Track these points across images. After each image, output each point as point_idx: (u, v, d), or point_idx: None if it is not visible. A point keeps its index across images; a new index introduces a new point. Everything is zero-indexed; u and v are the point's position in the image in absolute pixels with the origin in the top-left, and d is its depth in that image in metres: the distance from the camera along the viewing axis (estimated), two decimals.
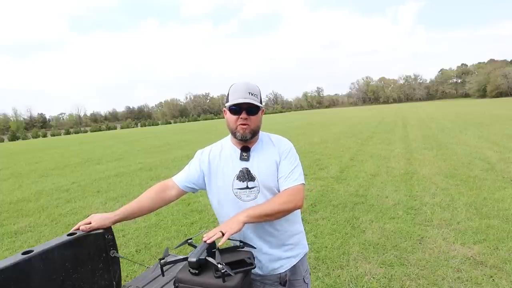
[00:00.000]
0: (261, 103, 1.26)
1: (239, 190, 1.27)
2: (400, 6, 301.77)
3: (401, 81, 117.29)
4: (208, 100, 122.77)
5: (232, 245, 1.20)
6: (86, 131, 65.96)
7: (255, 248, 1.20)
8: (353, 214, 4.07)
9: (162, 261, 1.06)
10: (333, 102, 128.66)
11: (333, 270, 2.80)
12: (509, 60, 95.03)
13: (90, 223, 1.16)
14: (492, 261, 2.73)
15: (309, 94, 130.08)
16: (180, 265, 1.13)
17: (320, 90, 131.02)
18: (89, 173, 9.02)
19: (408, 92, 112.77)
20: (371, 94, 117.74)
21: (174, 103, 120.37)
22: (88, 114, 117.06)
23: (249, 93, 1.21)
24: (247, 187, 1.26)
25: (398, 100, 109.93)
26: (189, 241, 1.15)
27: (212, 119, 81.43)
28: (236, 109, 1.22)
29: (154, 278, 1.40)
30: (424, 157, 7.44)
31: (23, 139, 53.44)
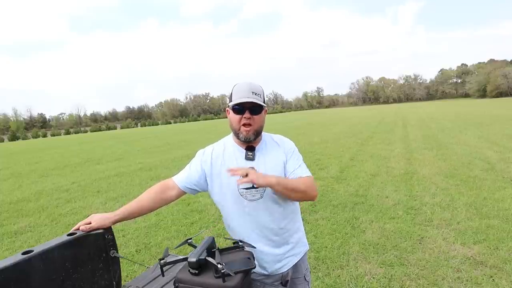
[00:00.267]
0: (264, 103, 1.26)
1: (244, 189, 1.27)
2: (400, 6, 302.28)
3: (401, 81, 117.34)
4: (208, 100, 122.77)
5: (232, 245, 1.20)
6: (86, 131, 65.99)
7: (255, 248, 1.20)
8: (353, 214, 4.07)
9: (162, 261, 1.06)
10: (333, 102, 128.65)
11: (333, 270, 2.80)
12: (509, 60, 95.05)
13: (90, 223, 1.16)
14: (492, 261, 2.73)
15: (309, 94, 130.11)
16: (180, 265, 1.13)
17: (320, 90, 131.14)
18: (89, 173, 9.02)
19: (408, 92, 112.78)
20: (371, 94, 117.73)
21: (174, 103, 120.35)
22: (88, 114, 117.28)
23: (253, 92, 1.21)
24: (253, 187, 1.26)
25: (398, 100, 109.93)
26: (189, 241, 1.15)
27: (212, 119, 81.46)
28: (239, 108, 1.22)
29: (154, 278, 1.40)
30: (424, 157, 7.43)
31: (23, 139, 53.45)
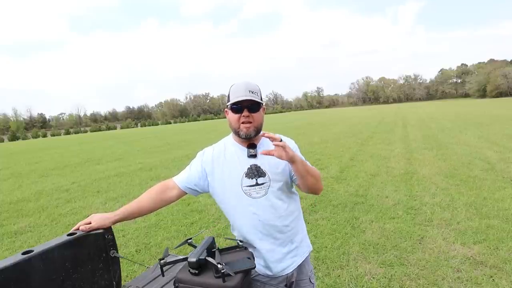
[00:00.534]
0: (261, 100, 1.27)
1: (248, 187, 1.27)
2: (400, 6, 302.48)
3: (401, 81, 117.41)
4: (208, 100, 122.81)
5: (233, 244, 1.20)
6: (86, 131, 66.03)
7: (255, 247, 1.20)
8: (353, 214, 4.07)
9: (162, 261, 1.06)
10: (333, 102, 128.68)
11: (333, 270, 2.80)
12: (509, 60, 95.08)
13: (90, 223, 1.16)
14: (492, 261, 2.73)
15: (309, 94, 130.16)
16: (180, 265, 1.13)
17: (320, 90, 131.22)
18: (89, 173, 9.02)
19: (408, 92, 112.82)
20: (371, 94, 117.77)
21: (174, 103, 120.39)
22: (88, 114, 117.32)
23: (249, 91, 1.22)
24: (257, 184, 1.26)
25: (398, 100, 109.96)
26: (189, 241, 1.15)
27: (212, 119, 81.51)
28: (238, 107, 1.22)
29: (154, 278, 1.40)
30: (424, 157, 7.44)
31: (23, 139, 53.48)
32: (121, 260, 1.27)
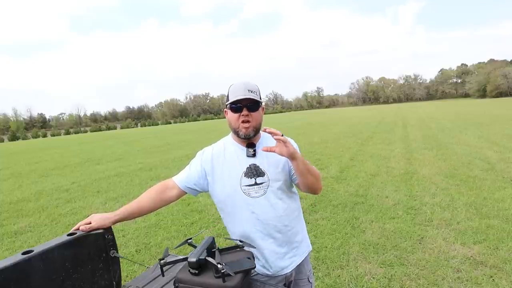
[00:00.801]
0: (260, 99, 1.27)
1: (247, 187, 1.27)
2: (400, 6, 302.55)
3: (401, 81, 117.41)
4: (208, 100, 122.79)
5: (233, 245, 1.20)
6: (86, 131, 66.03)
7: (255, 247, 1.20)
8: (353, 214, 4.07)
9: (162, 261, 1.06)
10: (333, 102, 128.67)
11: (333, 270, 2.80)
12: (509, 60, 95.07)
13: (90, 223, 1.16)
14: (492, 261, 2.73)
15: (309, 94, 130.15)
16: (180, 265, 1.13)
17: (320, 90, 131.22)
18: (89, 173, 9.02)
19: (408, 92, 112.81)
20: (371, 94, 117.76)
21: (174, 103, 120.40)
22: (88, 114, 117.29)
23: (248, 90, 1.22)
24: (256, 183, 1.27)
25: (398, 100, 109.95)
26: (189, 241, 1.15)
27: (212, 119, 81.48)
28: (237, 107, 1.23)
29: (154, 278, 1.40)
30: (424, 157, 7.44)
31: (23, 139, 53.49)
32: (121, 260, 1.27)
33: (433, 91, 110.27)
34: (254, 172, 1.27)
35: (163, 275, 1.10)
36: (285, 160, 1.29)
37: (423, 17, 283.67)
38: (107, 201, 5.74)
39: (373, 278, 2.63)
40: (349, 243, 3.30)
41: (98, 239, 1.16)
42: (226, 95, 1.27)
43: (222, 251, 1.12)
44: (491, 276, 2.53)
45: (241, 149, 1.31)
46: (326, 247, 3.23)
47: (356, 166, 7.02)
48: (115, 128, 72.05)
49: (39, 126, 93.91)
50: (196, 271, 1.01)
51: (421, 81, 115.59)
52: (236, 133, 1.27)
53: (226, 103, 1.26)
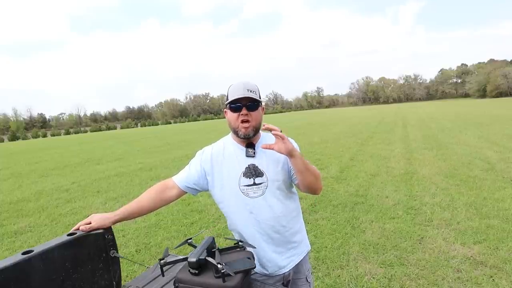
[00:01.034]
0: (259, 99, 1.27)
1: (246, 187, 1.27)
2: (400, 6, 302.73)
3: (401, 81, 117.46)
4: (208, 100, 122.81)
5: (233, 245, 1.20)
6: (86, 131, 66.06)
7: (255, 248, 1.20)
8: (353, 214, 4.07)
9: (162, 261, 1.06)
10: (333, 102, 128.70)
11: (333, 270, 2.80)
12: (509, 60, 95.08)
13: (90, 223, 1.16)
14: (492, 261, 2.73)
15: (309, 94, 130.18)
16: (180, 265, 1.13)
17: (320, 90, 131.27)
18: (89, 173, 9.02)
19: (408, 92, 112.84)
20: (371, 94, 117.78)
21: (174, 103, 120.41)
22: (88, 114, 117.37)
23: (248, 90, 1.22)
24: (254, 184, 1.27)
25: (398, 100, 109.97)
26: (189, 241, 1.15)
27: (212, 119, 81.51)
28: (236, 106, 1.23)
29: (154, 278, 1.40)
30: (424, 157, 7.43)
31: (23, 139, 53.51)
32: (121, 260, 1.27)
33: (433, 91, 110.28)
34: (253, 172, 1.27)
35: (163, 275, 1.10)
36: (284, 159, 1.29)
37: (423, 17, 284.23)
38: (107, 201, 5.74)
39: (373, 278, 2.63)
40: (349, 243, 3.30)
41: (98, 239, 1.16)
42: (226, 95, 1.27)
43: (222, 251, 1.12)
44: (491, 276, 2.53)
45: (241, 149, 1.31)
46: (326, 247, 3.23)
47: (356, 166, 7.02)
48: (115, 128, 72.07)
49: (39, 126, 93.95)
50: (196, 271, 1.01)
51: (421, 81, 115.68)
52: (236, 133, 1.27)
53: (226, 103, 1.26)
